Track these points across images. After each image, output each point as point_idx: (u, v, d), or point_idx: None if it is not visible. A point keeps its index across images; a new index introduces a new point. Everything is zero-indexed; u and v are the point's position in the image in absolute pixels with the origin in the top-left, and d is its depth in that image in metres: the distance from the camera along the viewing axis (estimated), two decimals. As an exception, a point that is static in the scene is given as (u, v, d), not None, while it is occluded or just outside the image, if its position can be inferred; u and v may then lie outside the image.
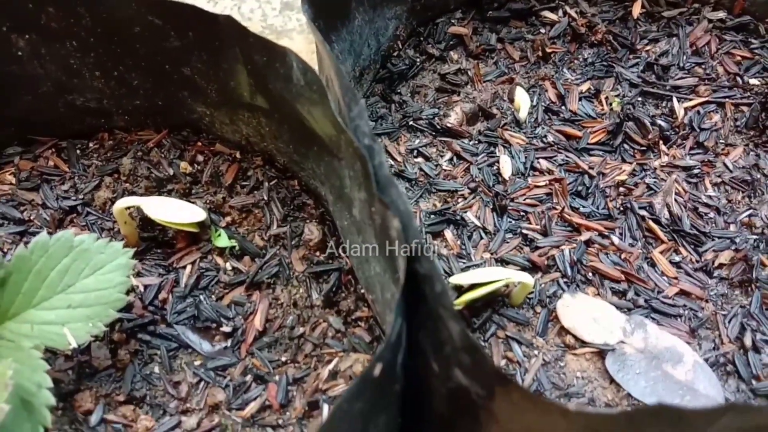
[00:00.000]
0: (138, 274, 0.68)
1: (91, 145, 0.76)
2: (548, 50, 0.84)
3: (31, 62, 0.68)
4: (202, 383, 0.63)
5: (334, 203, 0.65)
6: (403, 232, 0.43)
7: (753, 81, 0.82)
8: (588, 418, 0.37)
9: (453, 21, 0.86)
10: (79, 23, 0.65)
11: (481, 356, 0.39)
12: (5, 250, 0.69)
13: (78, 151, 0.75)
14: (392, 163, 0.75)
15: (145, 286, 0.67)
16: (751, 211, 0.73)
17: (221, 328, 0.65)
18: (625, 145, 0.77)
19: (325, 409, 0.60)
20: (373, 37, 0.76)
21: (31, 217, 0.71)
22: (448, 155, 0.76)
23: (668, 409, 0.36)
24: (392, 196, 0.45)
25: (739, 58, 0.85)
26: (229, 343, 0.65)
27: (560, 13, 0.88)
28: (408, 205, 0.44)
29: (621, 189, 0.73)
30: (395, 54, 0.82)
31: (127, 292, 0.60)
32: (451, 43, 0.85)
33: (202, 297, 0.67)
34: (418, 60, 0.83)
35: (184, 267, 0.68)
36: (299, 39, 1.03)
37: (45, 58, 0.68)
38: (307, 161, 0.67)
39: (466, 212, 0.71)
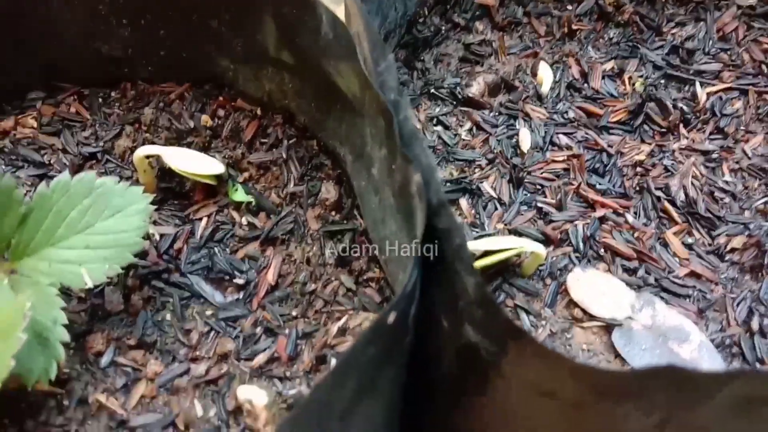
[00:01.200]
0: (154, 223, 0.68)
1: (113, 94, 0.77)
2: (574, 27, 0.84)
3: (60, 6, 0.68)
4: (213, 332, 0.63)
5: (352, 163, 0.66)
6: (425, 186, 0.44)
7: (778, 70, 0.82)
8: (596, 375, 0.38)
9: (480, -9, 0.86)
10: (110, -31, 0.65)
11: (495, 309, 0.40)
12: (25, 192, 0.69)
13: (100, 100, 0.76)
14: (411, 129, 0.75)
15: (161, 235, 0.68)
16: (767, 198, 0.73)
17: (234, 280, 0.66)
18: (645, 126, 0.77)
19: (333, 364, 0.61)
20: (401, 1, 0.76)
21: (51, 161, 0.72)
22: (468, 125, 0.76)
23: (677, 370, 0.36)
24: (416, 151, 0.45)
25: (766, 46, 0.84)
26: (241, 295, 0.66)
27: (588, -10, 0.87)
28: (431, 159, 0.44)
29: (638, 169, 0.74)
30: (421, 20, 0.82)
31: (144, 239, 0.60)
32: (477, 13, 0.84)
33: (216, 249, 0.67)
34: (443, 28, 0.83)
35: (200, 219, 0.69)
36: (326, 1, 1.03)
37: (74, 3, 0.68)
38: (328, 120, 0.67)
39: (482, 182, 0.72)
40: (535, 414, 0.48)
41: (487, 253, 0.64)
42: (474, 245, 0.65)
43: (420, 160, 0.44)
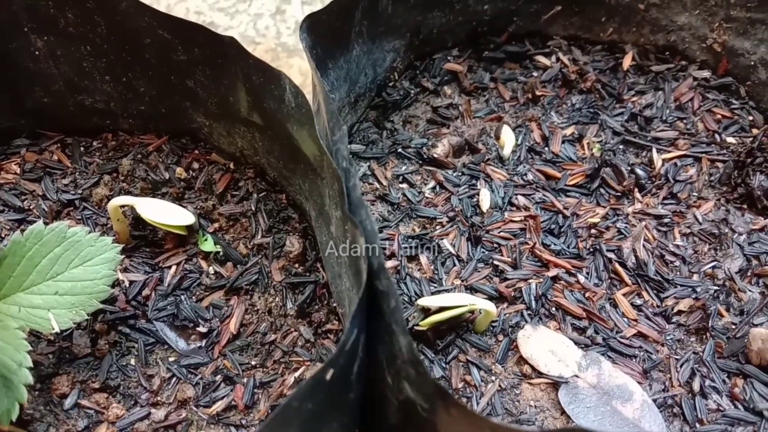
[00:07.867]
0: (125, 270, 0.71)
1: (94, 143, 0.80)
2: (538, 93, 0.88)
3: (47, 62, 0.73)
4: (174, 379, 0.66)
5: (315, 219, 0.69)
6: (367, 251, 0.47)
7: (730, 139, 0.86)
8: (515, 436, 0.40)
9: (449, 58, 0.90)
10: (95, 30, 0.69)
11: (423, 370, 0.43)
12: (3, 235, 0.72)
13: (82, 148, 0.80)
14: (377, 186, 0.79)
15: (131, 282, 0.70)
16: (715, 263, 0.76)
17: (197, 328, 0.68)
18: (602, 190, 0.81)
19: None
20: (371, 67, 0.80)
21: (31, 207, 0.75)
22: (432, 184, 0.80)
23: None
24: (361, 217, 0.48)
25: (719, 116, 0.88)
26: (203, 343, 0.68)
27: (553, 58, 0.92)
28: (374, 226, 0.47)
29: (592, 231, 0.77)
30: (391, 84, 0.87)
31: (113, 286, 0.63)
32: (445, 78, 0.89)
33: (183, 297, 0.70)
34: (412, 92, 0.87)
35: (170, 267, 0.72)
36: (308, 60, 1.07)
37: (60, 59, 0.72)
38: (295, 177, 0.70)
39: (442, 239, 0.75)
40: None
41: (442, 309, 0.67)
42: (429, 301, 0.68)
43: (365, 225, 0.48)
